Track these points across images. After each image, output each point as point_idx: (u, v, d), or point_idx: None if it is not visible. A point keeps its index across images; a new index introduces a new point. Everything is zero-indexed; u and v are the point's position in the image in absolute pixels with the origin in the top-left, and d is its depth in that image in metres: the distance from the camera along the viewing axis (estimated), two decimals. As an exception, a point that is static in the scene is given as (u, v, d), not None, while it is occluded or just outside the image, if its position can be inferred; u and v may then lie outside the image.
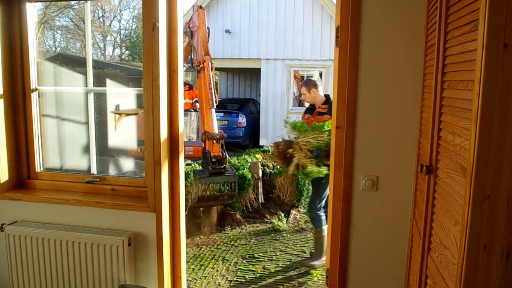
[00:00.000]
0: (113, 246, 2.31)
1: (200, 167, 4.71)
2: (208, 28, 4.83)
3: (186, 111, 6.63)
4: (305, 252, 4.20)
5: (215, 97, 4.37)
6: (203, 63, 4.65)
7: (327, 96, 3.89)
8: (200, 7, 4.73)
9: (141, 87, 2.34)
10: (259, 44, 10.85)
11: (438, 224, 1.44)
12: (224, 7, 11.00)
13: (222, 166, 4.31)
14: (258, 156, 5.92)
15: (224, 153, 4.29)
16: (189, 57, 5.05)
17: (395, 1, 2.02)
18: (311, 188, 4.00)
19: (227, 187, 4.27)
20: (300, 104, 11.16)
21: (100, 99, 5.99)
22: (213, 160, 4.20)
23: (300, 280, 3.58)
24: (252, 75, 13.95)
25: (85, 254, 2.36)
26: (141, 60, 2.30)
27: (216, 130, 4.33)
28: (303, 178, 4.40)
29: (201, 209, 4.85)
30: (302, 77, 11.18)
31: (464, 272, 1.08)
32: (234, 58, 11.19)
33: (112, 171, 5.92)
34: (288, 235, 4.71)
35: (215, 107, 4.46)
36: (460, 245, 1.11)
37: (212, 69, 4.73)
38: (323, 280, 3.53)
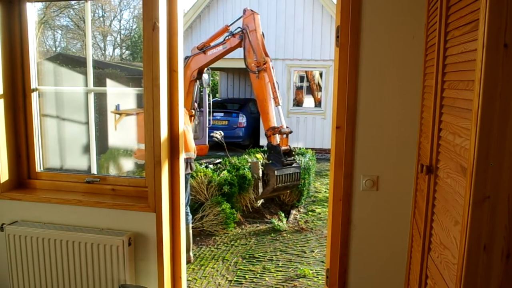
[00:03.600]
0: (113, 246, 2.31)
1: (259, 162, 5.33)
2: (262, 32, 5.15)
3: None
4: (305, 252, 4.21)
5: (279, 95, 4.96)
6: (264, 64, 5.00)
7: None
8: (252, 11, 5.06)
9: (141, 87, 2.34)
10: (259, 44, 10.83)
11: (438, 224, 1.44)
12: (224, 7, 10.99)
13: (292, 158, 5.03)
14: (258, 156, 5.91)
15: (291, 146, 5.08)
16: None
17: (395, 1, 2.02)
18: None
19: (292, 177, 4.98)
20: (298, 104, 11.17)
21: (100, 99, 5.99)
22: (283, 153, 4.88)
23: (300, 280, 3.58)
24: (253, 75, 13.90)
25: (85, 254, 2.36)
26: (141, 60, 2.30)
27: (284, 125, 5.00)
28: None
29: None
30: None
31: (464, 272, 1.08)
32: (234, 58, 11.11)
33: (112, 171, 5.93)
34: (288, 235, 4.71)
35: (280, 104, 4.99)
36: (460, 245, 1.11)
37: (273, 68, 5.12)
38: (323, 280, 3.53)
